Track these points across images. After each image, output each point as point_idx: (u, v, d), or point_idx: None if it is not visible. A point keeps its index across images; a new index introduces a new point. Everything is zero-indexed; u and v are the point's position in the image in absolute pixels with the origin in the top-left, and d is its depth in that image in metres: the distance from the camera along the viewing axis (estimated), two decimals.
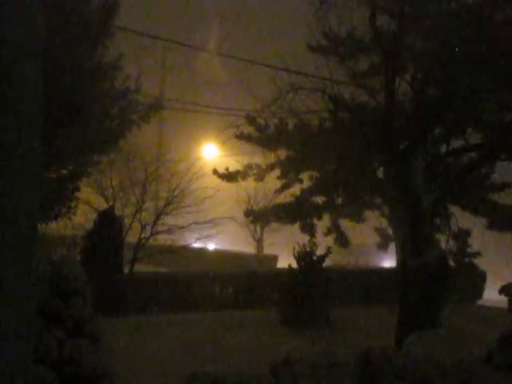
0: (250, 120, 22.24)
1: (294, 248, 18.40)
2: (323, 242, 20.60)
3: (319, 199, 23.97)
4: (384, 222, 24.67)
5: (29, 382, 5.70)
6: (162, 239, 22.96)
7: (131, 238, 21.69)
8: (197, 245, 25.05)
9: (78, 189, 18.84)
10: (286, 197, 24.80)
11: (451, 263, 21.49)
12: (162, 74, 30.30)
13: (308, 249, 18.41)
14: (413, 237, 14.72)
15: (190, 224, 23.24)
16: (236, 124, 20.51)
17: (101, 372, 7.18)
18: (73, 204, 18.89)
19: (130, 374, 9.82)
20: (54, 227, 18.92)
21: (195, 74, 28.74)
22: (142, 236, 21.95)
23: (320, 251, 18.64)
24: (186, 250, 24.18)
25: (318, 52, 17.05)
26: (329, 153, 18.89)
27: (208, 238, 24.32)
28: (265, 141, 23.05)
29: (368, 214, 24.80)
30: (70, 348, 7.07)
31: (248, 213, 26.98)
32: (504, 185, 21.34)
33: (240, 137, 22.92)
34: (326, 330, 16.51)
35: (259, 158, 24.46)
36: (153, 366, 11.73)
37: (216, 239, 25.67)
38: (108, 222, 19.21)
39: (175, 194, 22.74)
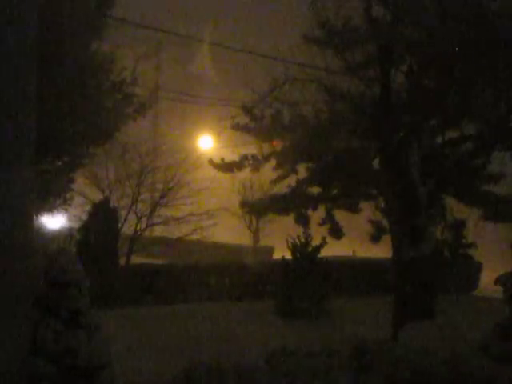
0: (246, 111, 22.18)
1: (286, 240, 18.45)
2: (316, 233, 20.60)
3: (314, 190, 23.92)
4: (378, 214, 24.63)
5: (25, 373, 5.71)
6: (159, 230, 23.01)
7: (127, 229, 21.68)
8: None
9: (73, 180, 18.82)
10: (282, 188, 24.75)
11: (446, 254, 21.57)
12: (157, 65, 30.20)
13: (302, 240, 18.45)
14: (408, 228, 14.75)
15: (186, 215, 23.24)
16: (231, 115, 20.47)
17: (98, 363, 7.19)
18: (68, 196, 18.89)
19: (127, 365, 9.83)
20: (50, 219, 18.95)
21: (190, 65, 28.67)
22: (138, 228, 21.95)
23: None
24: (181, 241, 24.18)
25: (314, 43, 16.99)
26: (325, 143, 18.87)
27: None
28: (260, 131, 22.98)
29: (363, 205, 24.76)
30: (67, 339, 7.06)
31: (243, 204, 26.92)
32: (500, 175, 21.31)
33: (236, 127, 22.85)
34: (322, 320, 16.55)
35: (255, 149, 24.39)
36: (149, 357, 11.75)
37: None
38: (103, 214, 19.18)
39: (171, 185, 22.72)
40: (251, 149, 24.53)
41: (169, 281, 20.33)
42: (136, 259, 21.98)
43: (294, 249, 18.36)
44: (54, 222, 20.23)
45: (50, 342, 6.92)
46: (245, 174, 26.09)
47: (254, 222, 30.13)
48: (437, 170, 16.21)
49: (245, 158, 24.32)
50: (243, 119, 22.69)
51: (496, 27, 12.65)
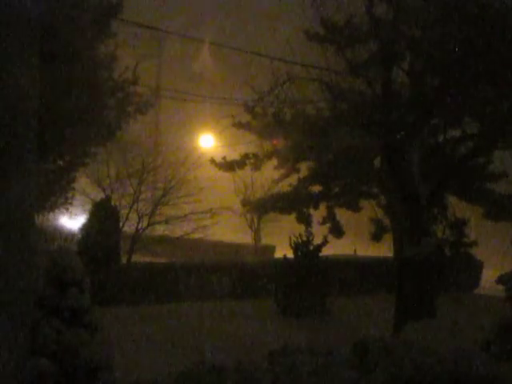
0: (248, 109, 22.19)
1: (289, 238, 18.44)
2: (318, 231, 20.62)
3: (316, 189, 23.94)
4: (380, 212, 24.64)
5: (26, 373, 5.71)
6: (160, 229, 23.00)
7: (129, 228, 21.68)
8: None
9: (74, 180, 18.84)
10: (283, 187, 24.77)
11: (448, 253, 21.55)
12: (158, 64, 30.20)
13: (304, 238, 18.44)
14: (409, 226, 14.76)
15: (188, 214, 23.23)
16: (233, 113, 20.49)
17: (100, 362, 7.18)
18: (69, 195, 18.91)
19: (128, 364, 9.83)
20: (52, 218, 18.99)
21: (192, 64, 28.67)
22: (140, 226, 21.96)
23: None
24: (183, 240, 24.16)
25: (316, 40, 17.00)
26: (326, 142, 18.89)
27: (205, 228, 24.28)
28: (262, 130, 23.00)
29: (364, 203, 24.77)
30: (68, 338, 7.06)
31: (245, 202, 26.92)
32: (501, 174, 21.32)
33: (237, 126, 22.87)
34: (324, 319, 16.55)
35: (256, 148, 24.41)
36: (150, 356, 11.75)
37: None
38: (104, 213, 19.18)
39: (172, 184, 22.72)
40: (252, 147, 24.57)
41: (170, 279, 20.32)
42: (137, 258, 21.97)
43: (295, 247, 18.35)
44: (73, 222, 20.45)
45: (51, 342, 6.92)
46: (246, 172, 26.15)
47: (256, 220, 30.13)
48: (438, 169, 16.21)
49: (246, 156, 24.36)
50: (244, 118, 22.70)
51: (497, 25, 12.64)
